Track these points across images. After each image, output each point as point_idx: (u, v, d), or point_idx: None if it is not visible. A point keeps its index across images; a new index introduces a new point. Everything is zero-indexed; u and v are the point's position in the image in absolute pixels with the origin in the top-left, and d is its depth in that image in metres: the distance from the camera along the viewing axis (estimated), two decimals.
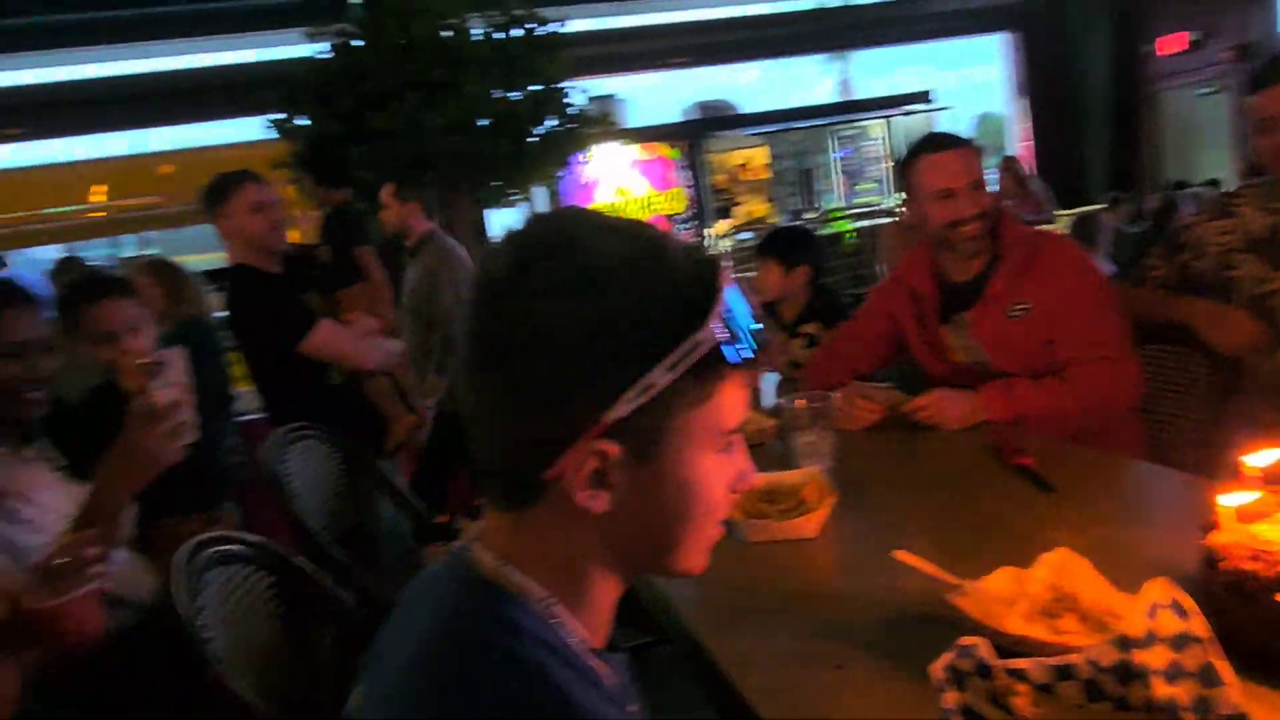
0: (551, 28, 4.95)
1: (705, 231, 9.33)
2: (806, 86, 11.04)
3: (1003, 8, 9.54)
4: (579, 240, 0.64)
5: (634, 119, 9.69)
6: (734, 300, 0.68)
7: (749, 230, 8.87)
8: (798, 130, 9.65)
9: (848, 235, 8.40)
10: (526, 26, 4.87)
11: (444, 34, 4.84)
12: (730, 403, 0.67)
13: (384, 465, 2.59)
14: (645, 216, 9.44)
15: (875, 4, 9.52)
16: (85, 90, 7.96)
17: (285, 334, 2.36)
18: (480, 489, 0.69)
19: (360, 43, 4.93)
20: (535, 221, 0.68)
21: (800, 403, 1.63)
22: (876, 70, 10.97)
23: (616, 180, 9.35)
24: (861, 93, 10.62)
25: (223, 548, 1.48)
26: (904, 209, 2.02)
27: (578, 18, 9.13)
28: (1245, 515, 0.90)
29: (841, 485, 1.46)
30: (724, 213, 9.65)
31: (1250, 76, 1.79)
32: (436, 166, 4.67)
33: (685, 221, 9.53)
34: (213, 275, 4.74)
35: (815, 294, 2.62)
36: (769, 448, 1.80)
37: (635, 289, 0.62)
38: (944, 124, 10.78)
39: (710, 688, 1.06)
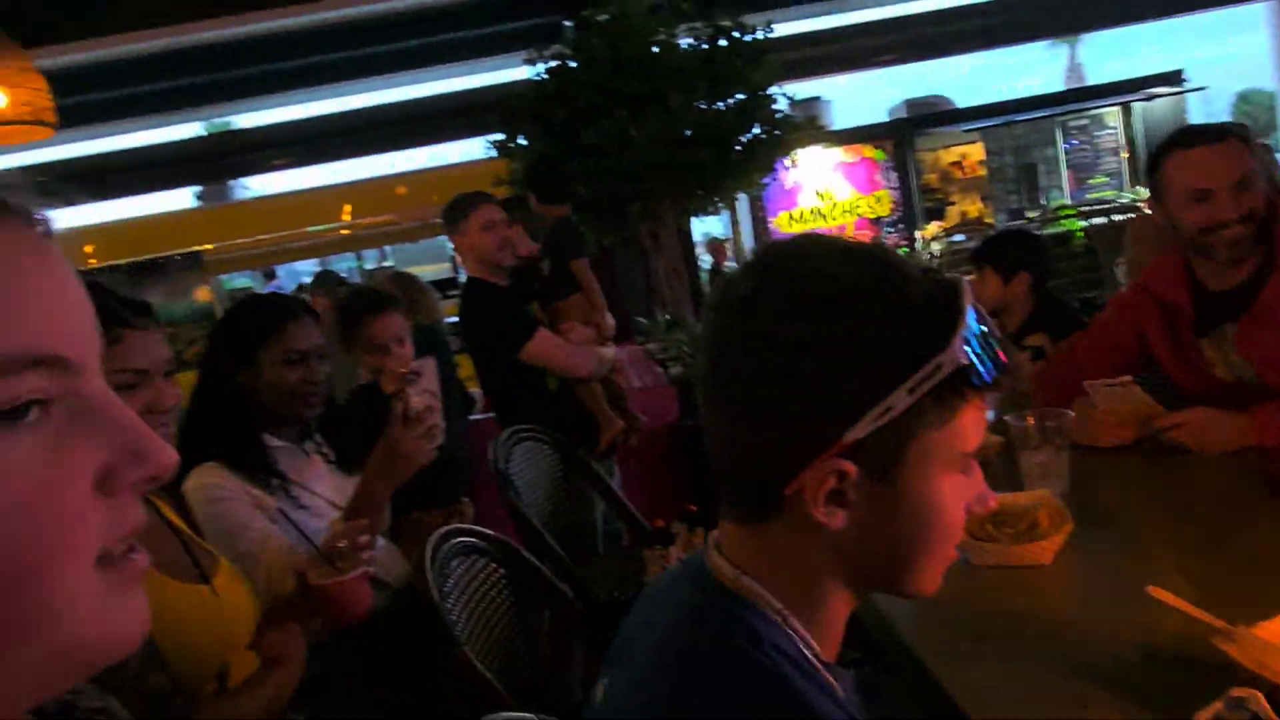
0: (755, 35, 4.95)
1: (914, 234, 8.96)
2: (1028, 75, 10.30)
3: None
4: (817, 264, 0.65)
5: (838, 120, 9.49)
6: (975, 319, 0.66)
7: (963, 232, 8.40)
8: (1019, 123, 9.01)
9: (1077, 235, 7.73)
10: (731, 36, 4.90)
11: (652, 49, 4.98)
12: (971, 425, 0.66)
13: (598, 466, 2.71)
14: (849, 220, 9.22)
15: None
16: (336, 122, 8.94)
17: (508, 343, 2.55)
18: (719, 500, 0.72)
19: (573, 64, 5.18)
20: (772, 246, 0.70)
21: (1030, 420, 1.54)
22: (1113, 51, 10.03)
23: (819, 184, 9.20)
24: (1095, 77, 9.75)
25: (464, 540, 1.62)
26: (1150, 209, 1.84)
27: (782, 20, 9.08)
28: None
29: (1078, 510, 1.36)
30: (935, 214, 9.22)
31: None
32: (643, 178, 4.81)
33: (892, 224, 9.20)
34: (439, 285, 5.17)
35: (1040, 302, 2.45)
36: (994, 466, 1.71)
37: (876, 311, 0.63)
38: (1196, 107, 9.63)
39: (938, 717, 1.03)
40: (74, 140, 8.41)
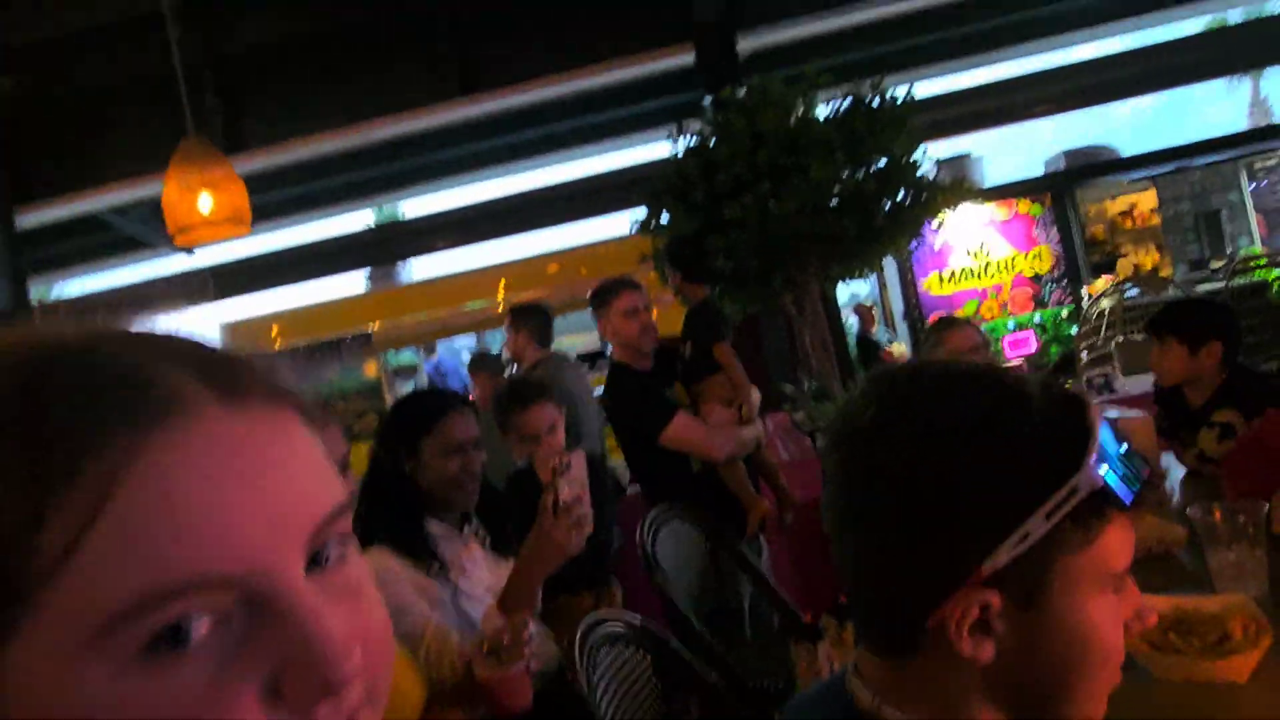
0: (896, 100, 4.92)
1: (1081, 291, 8.44)
2: (1204, 116, 9.60)
3: None
4: (940, 391, 0.65)
5: (991, 176, 9.17)
6: (1109, 435, 0.64)
7: (1137, 285, 7.84)
8: (1195, 168, 8.38)
9: (1274, 286, 7.02)
10: (869, 105, 4.89)
11: (790, 120, 5.03)
12: (1117, 544, 0.64)
13: (746, 547, 2.68)
14: (1007, 278, 8.82)
15: None
16: (491, 206, 9.53)
17: (648, 426, 2.61)
18: (860, 635, 0.71)
19: (713, 140, 5.30)
20: (894, 373, 0.70)
21: (1217, 513, 1.41)
22: None
23: (972, 243, 8.88)
24: None
25: (611, 628, 1.64)
26: None
27: (928, 77, 8.95)
28: None
29: (1275, 617, 1.23)
30: (1104, 268, 8.66)
31: None
32: (785, 249, 4.82)
33: (1055, 280, 8.72)
34: (587, 357, 5.33)
35: (1231, 375, 2.24)
36: (1178, 561, 1.57)
37: (1002, 438, 0.62)
38: None
39: None
40: (263, 233, 9.38)
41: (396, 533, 1.73)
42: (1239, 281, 7.19)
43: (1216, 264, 7.92)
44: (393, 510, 1.76)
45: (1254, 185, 8.65)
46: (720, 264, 4.85)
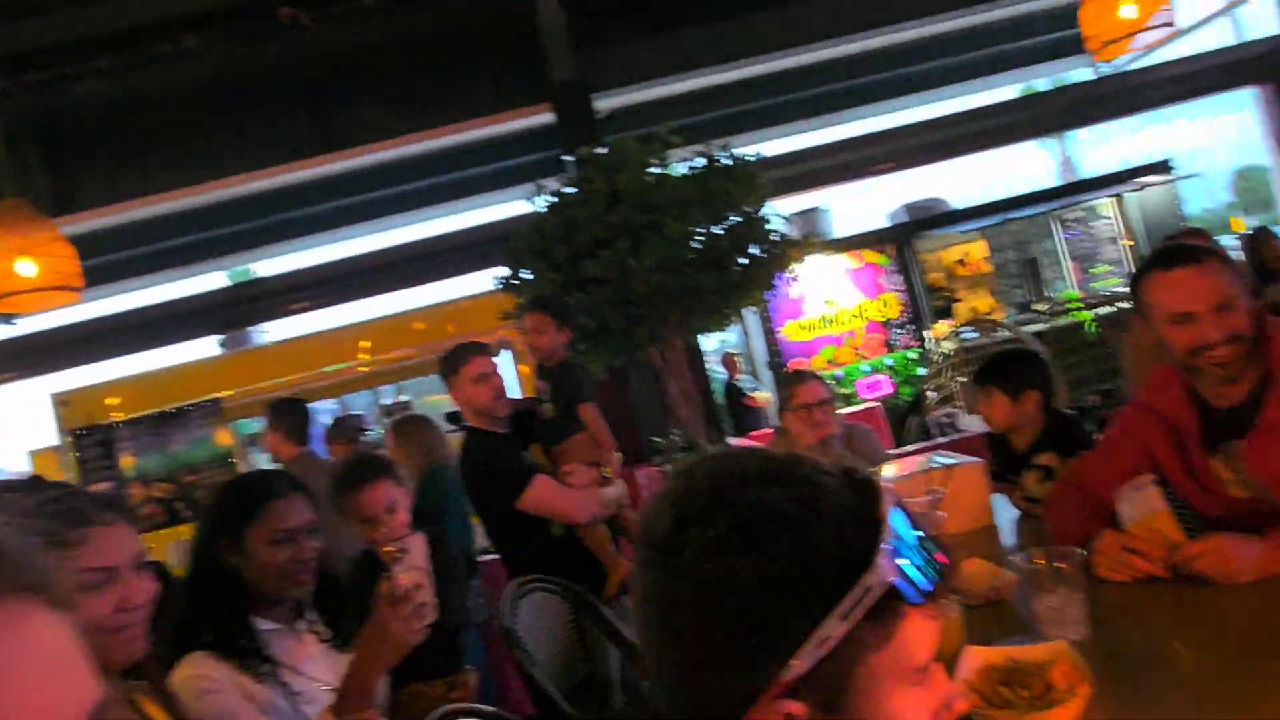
0: (746, 159, 5.12)
1: (924, 334, 8.97)
2: (1024, 172, 10.52)
3: (1247, 60, 8.67)
4: (732, 495, 0.63)
5: (841, 228, 9.68)
6: (904, 525, 0.64)
7: (974, 328, 8.41)
8: (1017, 220, 9.15)
9: (1088, 325, 7.72)
10: (720, 163, 5.07)
11: (646, 178, 5.14)
12: (917, 637, 0.63)
13: (610, 611, 2.63)
14: (859, 324, 9.28)
15: (1090, 81, 9.00)
16: (350, 265, 9.24)
17: (506, 491, 2.53)
18: None
19: (572, 199, 5.34)
20: (688, 475, 0.68)
21: (1039, 560, 1.48)
22: (1104, 143, 10.28)
23: (826, 291, 9.30)
24: (1088, 169, 9.95)
25: None
26: (1139, 325, 1.82)
27: (775, 138, 9.41)
28: None
29: (1099, 660, 1.29)
30: (944, 312, 9.25)
31: None
32: (646, 304, 4.89)
33: (900, 326, 9.24)
34: (453, 417, 5.19)
35: (1049, 421, 2.40)
36: (1011, 607, 1.63)
37: (793, 541, 0.60)
38: (1191, 191, 9.77)
39: None
40: (100, 298, 8.72)
41: (220, 634, 1.59)
42: (1059, 322, 7.89)
43: (1040, 307, 8.65)
44: (216, 608, 1.62)
45: (1066, 235, 9.54)
46: (583, 321, 4.86)
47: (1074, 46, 7.76)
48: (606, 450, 2.85)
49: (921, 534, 0.64)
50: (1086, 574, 1.58)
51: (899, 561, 0.61)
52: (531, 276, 5.41)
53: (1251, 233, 6.51)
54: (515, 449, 2.67)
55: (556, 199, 5.36)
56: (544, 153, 8.30)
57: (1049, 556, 1.47)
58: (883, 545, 0.61)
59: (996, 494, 2.41)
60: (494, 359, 2.69)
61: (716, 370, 9.41)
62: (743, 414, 8.58)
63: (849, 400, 8.36)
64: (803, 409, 2.97)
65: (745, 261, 5.10)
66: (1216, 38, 9.06)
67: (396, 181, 8.94)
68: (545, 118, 7.89)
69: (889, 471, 2.50)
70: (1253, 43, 8.63)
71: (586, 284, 4.92)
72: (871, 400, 8.24)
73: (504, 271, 5.64)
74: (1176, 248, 1.75)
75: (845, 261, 9.33)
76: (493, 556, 3.33)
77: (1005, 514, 2.37)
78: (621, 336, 5.18)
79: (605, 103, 8.03)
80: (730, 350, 9.49)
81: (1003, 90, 10.00)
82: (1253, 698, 1.15)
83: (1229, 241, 7.80)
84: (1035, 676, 1.25)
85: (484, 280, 7.59)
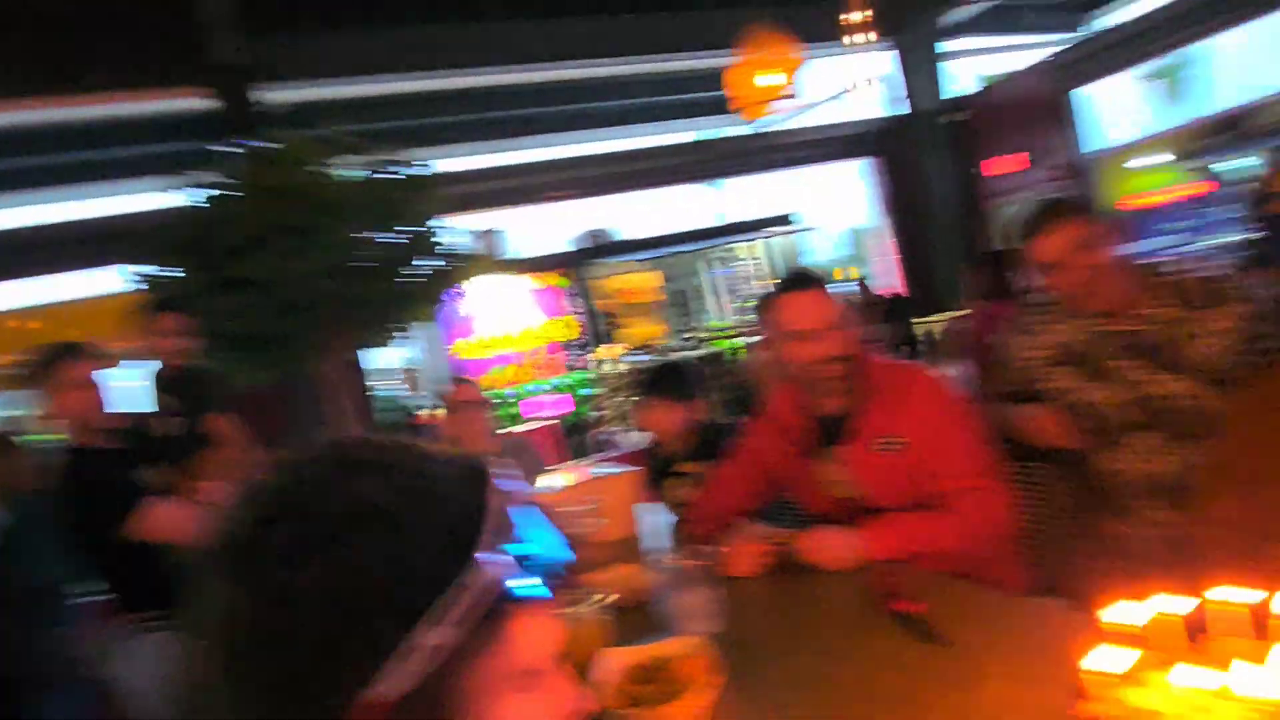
0: (419, 170, 4.99)
1: (588, 357, 9.44)
2: (690, 212, 11.52)
3: (861, 135, 10.29)
4: (321, 487, 0.55)
5: (526, 249, 9.86)
6: (527, 521, 0.59)
7: (641, 351, 9.00)
8: (678, 254, 10.05)
9: (732, 351, 8.66)
10: (394, 171, 4.90)
11: (317, 178, 4.79)
12: (528, 639, 0.57)
13: None
14: (541, 343, 9.49)
15: (747, 135, 10.10)
16: None
17: (112, 517, 2.16)
18: None
19: (230, 192, 4.83)
20: (279, 470, 0.58)
21: (674, 559, 1.56)
22: (753, 194, 11.61)
23: (509, 310, 9.41)
24: (736, 215, 11.21)
25: None
26: (764, 346, 2.03)
27: (459, 155, 9.34)
28: (1113, 681, 0.87)
29: (730, 650, 1.37)
30: (613, 337, 9.79)
31: (1023, 223, 1.94)
32: (307, 311, 4.53)
33: (581, 347, 9.62)
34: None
35: (700, 431, 2.59)
36: (652, 608, 1.70)
37: (385, 536, 0.53)
38: (812, 243, 11.48)
39: None
40: None
41: None
42: (712, 348, 8.81)
43: (694, 334, 9.62)
44: None
45: (718, 272, 10.74)
46: (233, 327, 4.37)
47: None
48: (245, 464, 2.56)
49: (544, 531, 0.59)
50: (719, 572, 1.72)
51: (508, 559, 0.55)
52: (182, 274, 4.77)
53: (860, 279, 7.89)
54: (126, 467, 2.28)
55: (215, 190, 4.80)
56: (191, 141, 7.43)
57: (684, 556, 1.55)
58: (487, 540, 0.55)
59: (654, 502, 2.54)
60: (95, 362, 2.27)
61: (397, 389, 9.08)
62: (414, 433, 8.32)
63: (515, 419, 8.48)
64: (457, 409, 3.05)
65: (413, 274, 4.95)
66: (847, 113, 10.66)
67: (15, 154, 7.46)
68: (193, 103, 7.07)
69: (549, 482, 2.53)
70: (867, 120, 10.28)
71: (239, 286, 4.45)
72: (546, 418, 8.42)
73: (139, 268, 4.92)
74: (800, 275, 1.98)
75: (529, 282, 9.52)
76: (102, 597, 2.82)
77: (660, 520, 2.49)
78: (277, 346, 4.75)
79: (273, 95, 7.40)
80: (410, 367, 9.20)
81: (678, 135, 10.94)
82: (859, 667, 1.29)
83: (846, 287, 9.34)
84: (668, 671, 1.30)
85: (110, 279, 6.56)
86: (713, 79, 9.62)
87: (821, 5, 7.72)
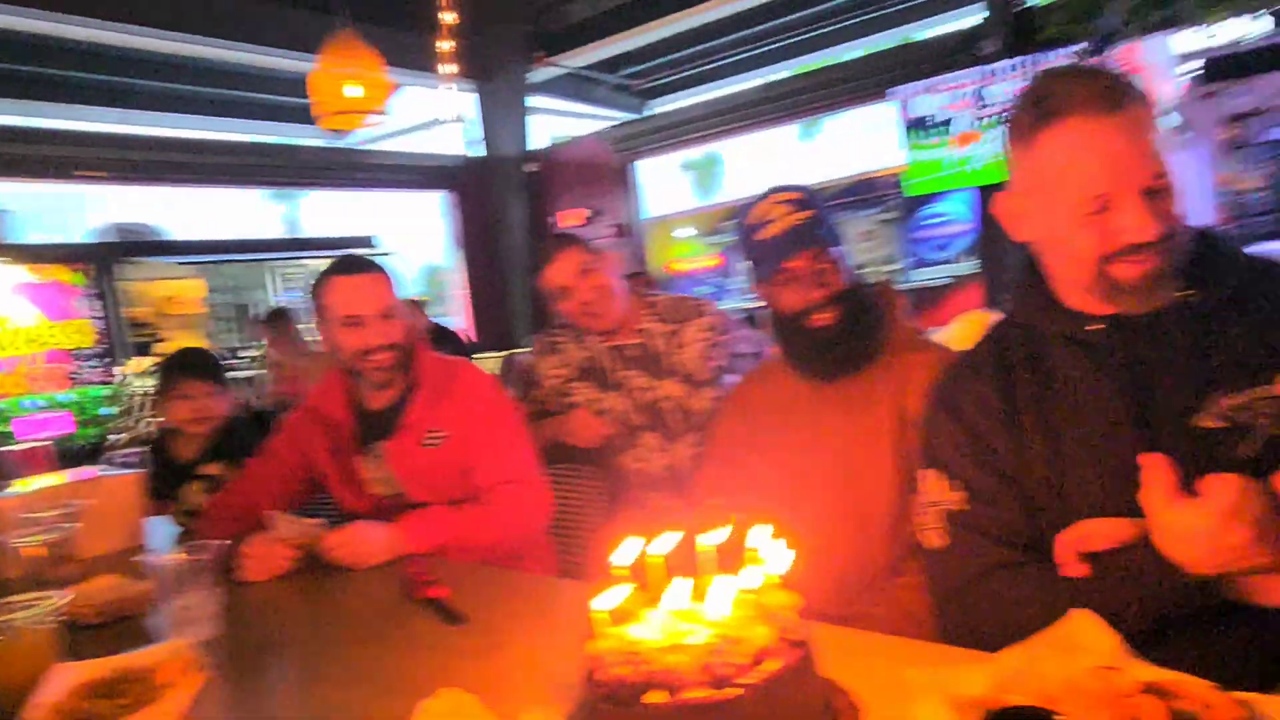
0: None
1: (115, 370, 8.01)
2: (249, 220, 10.51)
3: (443, 170, 10.38)
4: None
5: (26, 235, 8.05)
6: None
7: None
8: (236, 263, 9.05)
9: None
10: None
11: None
12: None
13: None
14: (39, 349, 7.76)
15: (318, 148, 9.58)
16: None
17: None
18: None
19: None
20: None
21: (172, 558, 1.32)
22: (329, 212, 11.00)
23: None
24: (313, 232, 10.53)
25: None
26: (319, 329, 1.87)
27: None
28: (617, 617, 0.90)
29: (229, 654, 1.20)
30: (145, 349, 8.44)
31: (532, 257, 2.18)
32: None
33: (93, 358, 8.08)
34: None
35: (224, 429, 2.29)
36: (142, 619, 1.42)
37: None
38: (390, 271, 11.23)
39: None
40: None
41: None
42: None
43: (249, 353, 8.69)
44: None
45: (285, 294, 9.96)
46: None
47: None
48: None
49: None
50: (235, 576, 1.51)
51: None
52: None
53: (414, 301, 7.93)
54: None
55: None
56: None
57: (181, 558, 1.33)
58: None
59: (157, 514, 2.16)
60: None
61: None
62: None
63: (4, 439, 6.84)
64: None
65: None
66: (433, 145, 10.67)
67: None
68: None
69: (22, 487, 2.03)
70: (451, 156, 10.42)
71: None
72: (40, 439, 6.89)
73: None
74: (355, 258, 1.86)
75: (25, 274, 7.78)
76: None
77: (163, 532, 2.13)
78: None
79: None
80: None
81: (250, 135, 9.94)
82: (363, 673, 1.19)
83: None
84: (138, 682, 1.08)
85: None
86: (298, 85, 9.01)
87: (418, 34, 7.70)
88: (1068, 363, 1.11)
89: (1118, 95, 1.01)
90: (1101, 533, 0.99)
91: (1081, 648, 0.85)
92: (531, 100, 10.10)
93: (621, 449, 2.13)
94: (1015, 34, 6.24)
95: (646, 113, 10.81)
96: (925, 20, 8.64)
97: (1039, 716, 0.75)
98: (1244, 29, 5.00)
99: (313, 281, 1.84)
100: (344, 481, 1.85)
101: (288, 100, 9.49)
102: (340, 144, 9.46)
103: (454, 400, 1.84)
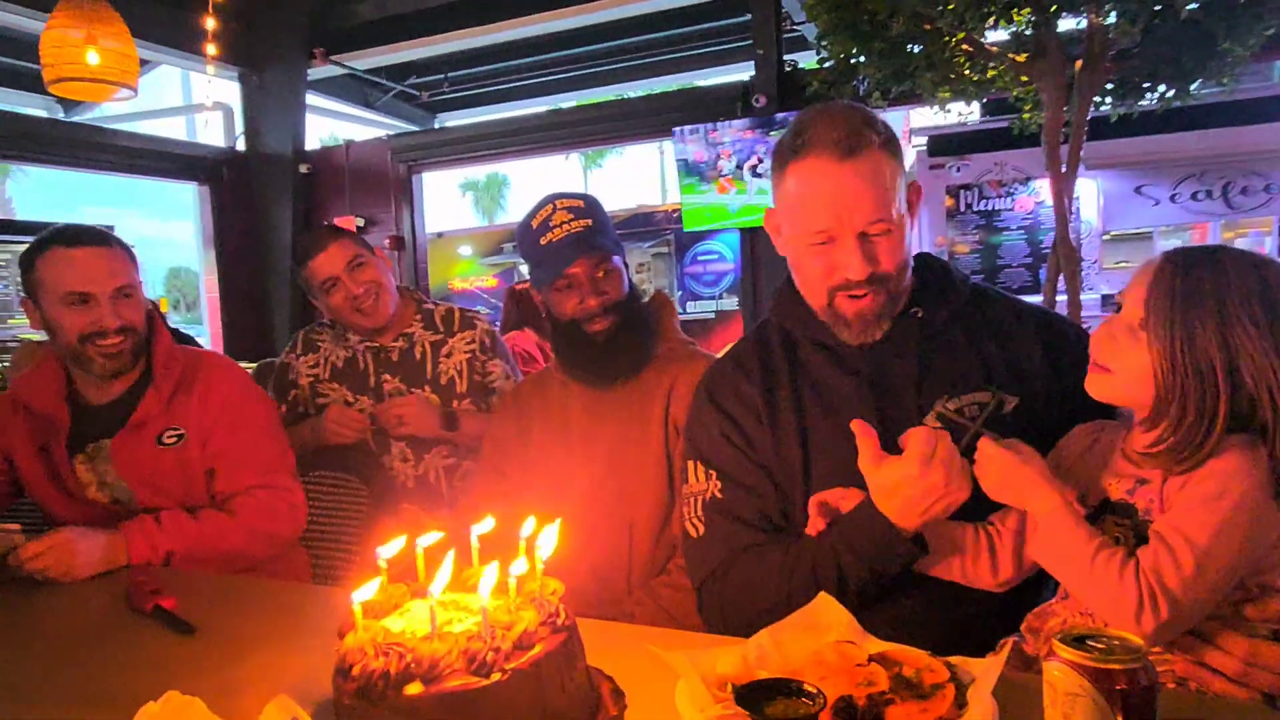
0: None
1: None
2: None
3: (196, 159, 9.49)
4: None
5: None
6: None
7: None
8: None
9: None
10: None
11: None
12: None
13: None
14: None
15: (44, 119, 8.43)
16: None
17: None
18: None
19: None
20: None
21: None
22: (51, 197, 9.63)
23: None
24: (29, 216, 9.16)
25: None
26: (27, 310, 1.62)
27: None
28: (374, 610, 0.85)
29: None
30: None
31: (298, 248, 2.05)
32: None
33: None
34: None
35: None
36: None
37: None
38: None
39: None
40: None
41: None
42: None
43: None
44: None
45: None
46: None
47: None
48: None
49: None
50: None
51: None
52: None
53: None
54: None
55: None
56: None
57: None
58: None
59: None
60: None
61: None
62: None
63: None
64: None
65: None
66: (193, 132, 9.70)
67: None
68: None
69: None
70: (206, 146, 9.55)
71: None
72: None
73: None
74: (83, 227, 1.64)
75: None
76: None
77: None
78: None
79: None
80: None
81: None
82: (79, 691, 1.03)
83: None
84: None
85: None
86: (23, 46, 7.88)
87: (181, 9, 7.02)
88: (819, 366, 1.22)
89: (856, 142, 1.11)
90: (838, 494, 1.11)
91: (822, 626, 0.93)
92: (310, 99, 9.54)
93: (381, 452, 2.04)
94: (784, 90, 6.80)
95: (433, 125, 10.59)
96: (704, 70, 9.20)
97: (783, 687, 0.80)
98: (966, 112, 5.80)
99: (24, 254, 1.59)
100: (53, 486, 1.61)
101: (11, 62, 8.29)
102: (78, 119, 8.39)
103: (196, 396, 1.66)
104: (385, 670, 0.78)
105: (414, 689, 0.76)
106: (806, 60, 7.24)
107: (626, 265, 1.62)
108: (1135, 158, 7.31)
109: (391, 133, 9.99)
